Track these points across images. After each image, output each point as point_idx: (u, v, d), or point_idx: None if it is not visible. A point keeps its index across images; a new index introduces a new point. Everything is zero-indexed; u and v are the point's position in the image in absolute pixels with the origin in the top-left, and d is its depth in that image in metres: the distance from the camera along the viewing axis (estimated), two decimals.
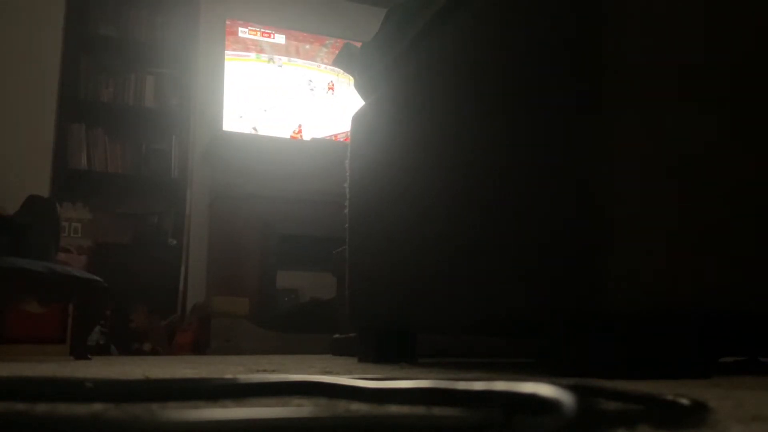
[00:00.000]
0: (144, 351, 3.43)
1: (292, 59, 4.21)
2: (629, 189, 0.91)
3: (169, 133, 3.98)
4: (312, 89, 4.21)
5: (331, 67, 3.97)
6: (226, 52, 4.06)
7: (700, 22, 0.99)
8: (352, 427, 0.28)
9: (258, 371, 1.20)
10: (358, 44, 1.88)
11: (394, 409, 0.43)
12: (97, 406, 0.44)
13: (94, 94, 3.87)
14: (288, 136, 4.07)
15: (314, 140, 4.04)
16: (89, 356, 2.41)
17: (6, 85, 3.71)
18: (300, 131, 4.10)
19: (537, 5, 1.08)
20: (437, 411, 0.39)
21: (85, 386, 0.43)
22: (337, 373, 1.13)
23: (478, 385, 0.37)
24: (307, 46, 4.24)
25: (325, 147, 3.92)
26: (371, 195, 1.75)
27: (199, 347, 3.31)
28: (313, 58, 4.25)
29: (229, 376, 0.49)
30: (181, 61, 4.05)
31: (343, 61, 1.89)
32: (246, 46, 4.12)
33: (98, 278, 2.41)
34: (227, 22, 4.11)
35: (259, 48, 4.15)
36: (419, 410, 0.40)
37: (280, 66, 4.17)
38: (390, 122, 1.68)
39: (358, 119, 1.91)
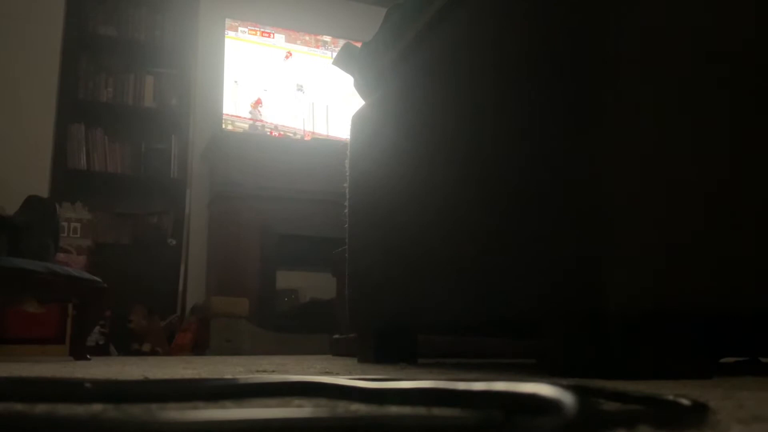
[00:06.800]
0: (143, 351, 3.42)
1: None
2: (629, 190, 0.91)
3: (169, 132, 3.98)
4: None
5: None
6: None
7: (702, 22, 0.99)
8: (352, 427, 0.28)
9: (257, 372, 1.20)
10: (358, 44, 1.87)
11: (394, 409, 0.43)
12: (97, 407, 0.44)
13: (94, 94, 3.87)
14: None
15: (314, 140, 4.04)
16: (88, 357, 2.41)
17: (6, 85, 3.71)
18: None
19: (536, 4, 1.08)
20: (437, 411, 0.39)
21: (84, 387, 0.43)
22: (337, 374, 1.13)
23: (478, 386, 0.37)
24: None
25: (325, 147, 3.92)
26: (371, 195, 1.75)
27: (199, 348, 3.31)
28: None
29: (228, 376, 0.49)
30: (180, 60, 4.05)
31: (343, 61, 1.89)
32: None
33: (97, 278, 2.41)
34: (227, 22, 4.11)
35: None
36: (419, 410, 0.40)
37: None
38: (390, 122, 1.68)
39: (358, 119, 1.90)
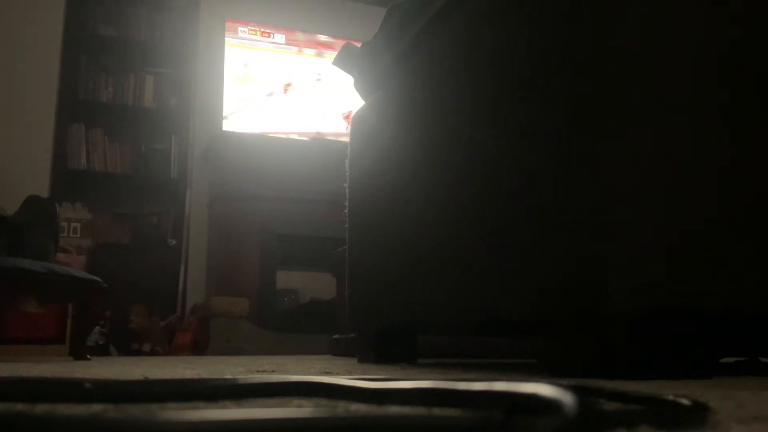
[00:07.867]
0: (143, 351, 3.42)
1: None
2: (630, 190, 0.91)
3: (169, 133, 3.97)
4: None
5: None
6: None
7: (702, 22, 0.99)
8: (352, 427, 0.28)
9: (258, 372, 1.20)
10: (358, 44, 1.87)
11: (394, 409, 0.43)
12: (97, 407, 0.44)
13: (94, 94, 3.87)
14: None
15: (314, 140, 4.04)
16: (88, 357, 2.41)
17: (6, 85, 3.71)
18: None
19: (536, 4, 1.08)
20: (437, 411, 0.39)
21: (84, 387, 0.43)
22: (337, 374, 1.13)
23: (478, 386, 0.37)
24: None
25: (325, 147, 3.92)
26: (371, 195, 1.75)
27: (199, 348, 3.30)
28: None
29: (228, 376, 0.49)
30: (180, 60, 4.04)
31: (343, 61, 1.89)
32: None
33: (97, 278, 2.41)
34: (227, 22, 4.11)
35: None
36: (419, 411, 0.40)
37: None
38: (390, 122, 1.68)
39: (357, 119, 1.90)
